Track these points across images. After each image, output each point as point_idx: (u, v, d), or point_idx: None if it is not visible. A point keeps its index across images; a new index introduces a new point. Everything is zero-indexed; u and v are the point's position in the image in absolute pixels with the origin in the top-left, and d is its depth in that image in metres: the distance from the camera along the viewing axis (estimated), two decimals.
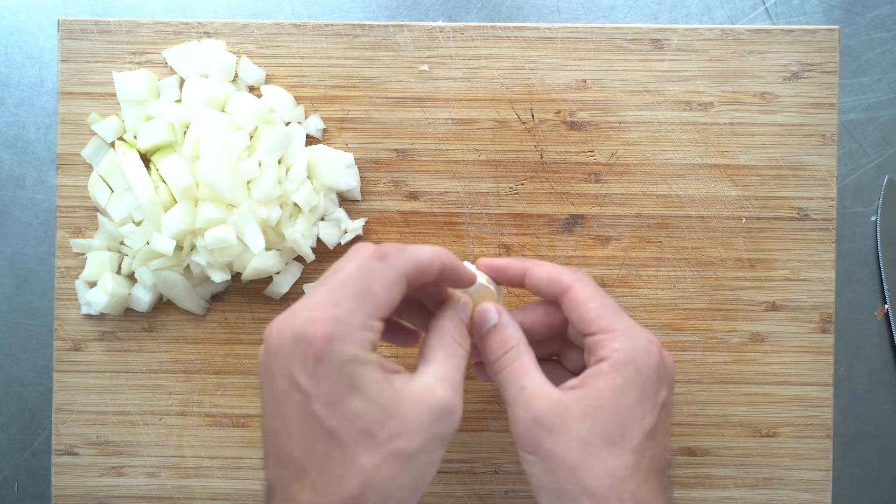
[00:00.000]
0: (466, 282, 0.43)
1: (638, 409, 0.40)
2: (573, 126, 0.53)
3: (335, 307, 0.37)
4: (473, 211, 0.54)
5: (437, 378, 0.38)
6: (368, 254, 0.39)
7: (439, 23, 0.53)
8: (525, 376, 0.40)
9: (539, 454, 0.39)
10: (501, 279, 0.45)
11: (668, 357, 0.42)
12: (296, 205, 0.51)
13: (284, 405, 0.37)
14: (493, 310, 0.43)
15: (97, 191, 0.52)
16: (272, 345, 0.37)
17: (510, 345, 0.42)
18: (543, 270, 0.44)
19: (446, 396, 0.38)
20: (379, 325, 0.38)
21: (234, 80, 0.53)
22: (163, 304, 0.54)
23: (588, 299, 0.42)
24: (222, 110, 0.52)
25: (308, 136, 0.53)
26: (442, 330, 0.41)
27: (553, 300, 0.44)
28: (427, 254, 0.40)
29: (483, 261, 0.45)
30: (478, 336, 0.43)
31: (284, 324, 0.37)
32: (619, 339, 0.41)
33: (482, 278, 0.45)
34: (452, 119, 0.53)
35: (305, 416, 0.36)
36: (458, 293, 0.43)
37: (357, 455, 0.36)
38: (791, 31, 0.53)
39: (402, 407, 0.37)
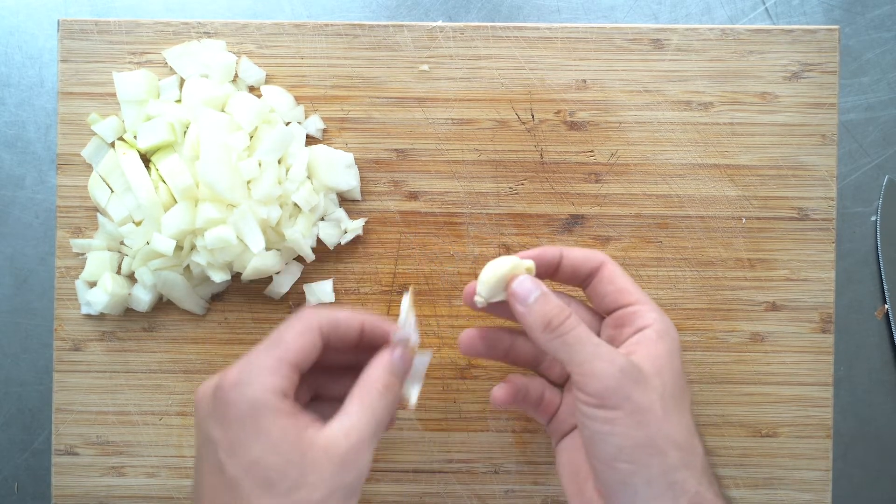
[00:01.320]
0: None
1: (682, 373, 0.42)
2: (573, 126, 0.53)
3: (247, 356, 0.38)
4: (473, 211, 0.54)
5: (344, 430, 0.38)
6: (294, 315, 0.41)
7: (439, 23, 0.53)
8: (594, 336, 0.41)
9: (627, 407, 0.38)
10: (540, 264, 0.45)
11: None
12: (296, 205, 0.51)
13: (201, 457, 0.38)
14: (531, 281, 0.42)
15: (97, 191, 0.52)
16: (196, 399, 0.39)
17: (568, 310, 0.41)
18: (577, 251, 0.45)
19: (351, 448, 0.37)
20: (289, 373, 0.38)
21: (234, 80, 0.53)
22: (163, 304, 0.54)
23: (621, 274, 0.44)
24: (222, 110, 0.52)
25: (308, 136, 0.53)
26: (367, 378, 0.40)
27: (582, 280, 0.45)
28: (344, 311, 0.42)
29: (523, 253, 0.45)
30: (522, 309, 0.42)
31: (210, 380, 0.39)
32: (654, 310, 0.43)
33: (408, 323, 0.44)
34: (452, 119, 0.53)
35: (213, 466, 0.37)
36: (399, 333, 0.42)
37: None
38: (791, 31, 0.53)
39: (305, 457, 0.36)
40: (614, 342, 0.43)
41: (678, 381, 0.41)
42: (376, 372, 0.41)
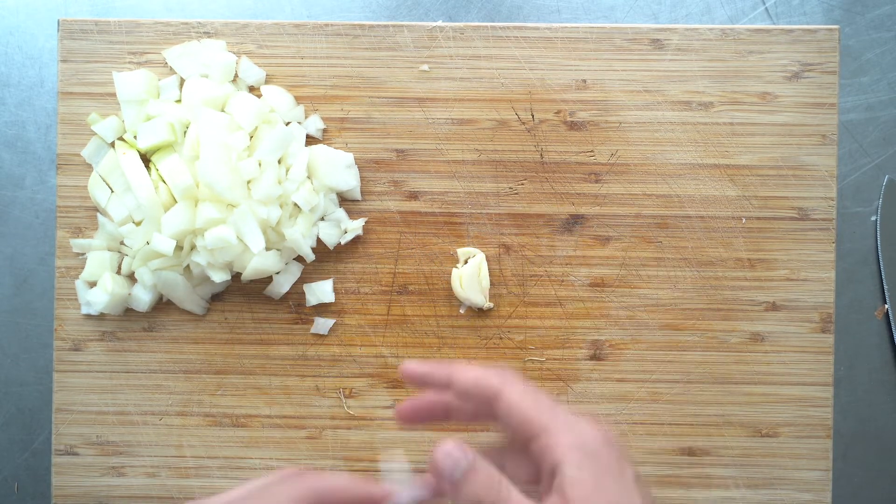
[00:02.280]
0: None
1: (619, 497, 0.38)
2: (573, 126, 0.53)
3: None
4: (473, 211, 0.54)
5: None
6: (279, 473, 0.38)
7: (439, 23, 0.53)
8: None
9: None
10: (428, 386, 0.41)
11: (611, 434, 0.39)
12: (296, 205, 0.51)
13: None
14: (460, 450, 0.38)
15: (97, 191, 0.52)
16: None
17: (497, 478, 0.38)
18: (470, 374, 0.40)
19: None
20: None
21: (234, 80, 0.53)
22: (163, 304, 0.54)
23: (521, 401, 0.39)
24: (222, 110, 0.52)
25: (308, 136, 0.53)
26: None
27: (483, 406, 0.40)
28: (337, 482, 0.38)
29: (407, 366, 0.41)
30: (450, 482, 0.38)
31: None
32: (565, 434, 0.38)
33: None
34: (452, 119, 0.53)
35: None
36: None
37: None
38: (791, 31, 0.53)
39: None
40: (546, 487, 0.38)
41: (614, 495, 0.37)
42: None
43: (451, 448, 0.38)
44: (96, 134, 0.53)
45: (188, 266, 0.51)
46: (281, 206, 0.51)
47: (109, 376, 0.54)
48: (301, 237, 0.51)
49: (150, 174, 0.51)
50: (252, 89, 0.54)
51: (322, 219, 0.53)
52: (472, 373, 0.40)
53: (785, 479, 0.53)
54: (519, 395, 0.39)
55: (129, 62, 0.54)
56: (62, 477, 0.54)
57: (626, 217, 0.53)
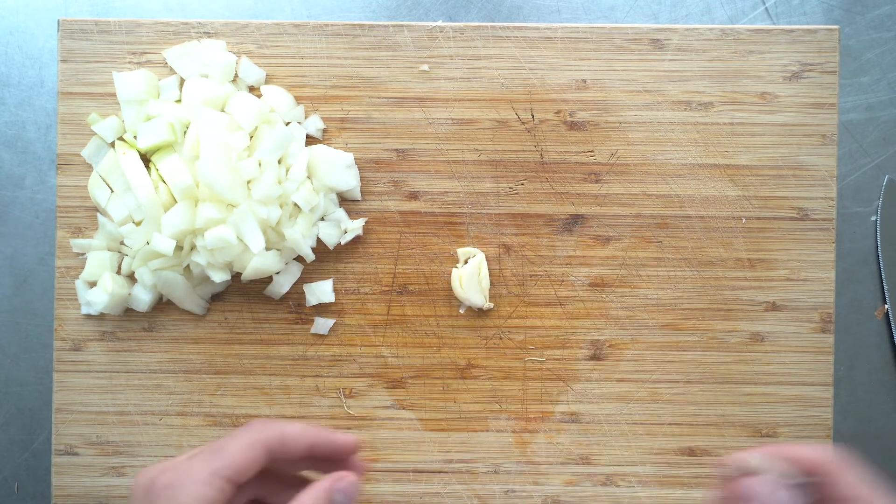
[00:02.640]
0: (346, 452, 0.42)
1: None
2: (573, 126, 0.53)
3: (186, 460, 0.38)
4: (473, 211, 0.54)
5: None
6: (246, 425, 0.40)
7: (439, 23, 0.53)
8: None
9: None
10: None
11: None
12: (296, 205, 0.51)
13: None
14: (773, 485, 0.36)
15: (97, 191, 0.52)
16: (133, 489, 0.39)
17: None
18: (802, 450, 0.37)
19: None
20: (223, 486, 0.37)
21: (234, 80, 0.53)
22: (163, 304, 0.54)
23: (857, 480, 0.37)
24: (222, 110, 0.52)
25: (308, 136, 0.53)
26: None
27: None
28: (294, 428, 0.40)
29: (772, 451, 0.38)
30: None
31: (146, 472, 0.39)
32: None
33: None
34: (452, 119, 0.53)
35: None
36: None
37: None
38: (791, 31, 0.53)
39: None
40: None
41: None
42: (308, 499, 0.39)
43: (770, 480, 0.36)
44: (96, 134, 0.53)
45: (188, 266, 0.52)
46: (281, 206, 0.51)
47: (109, 376, 0.54)
48: (301, 237, 0.51)
49: (150, 174, 0.51)
50: (252, 89, 0.54)
51: (322, 219, 0.53)
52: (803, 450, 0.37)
53: None
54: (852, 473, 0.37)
55: (129, 62, 0.54)
56: (62, 477, 0.54)
57: (626, 217, 0.53)
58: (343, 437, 0.41)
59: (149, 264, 0.51)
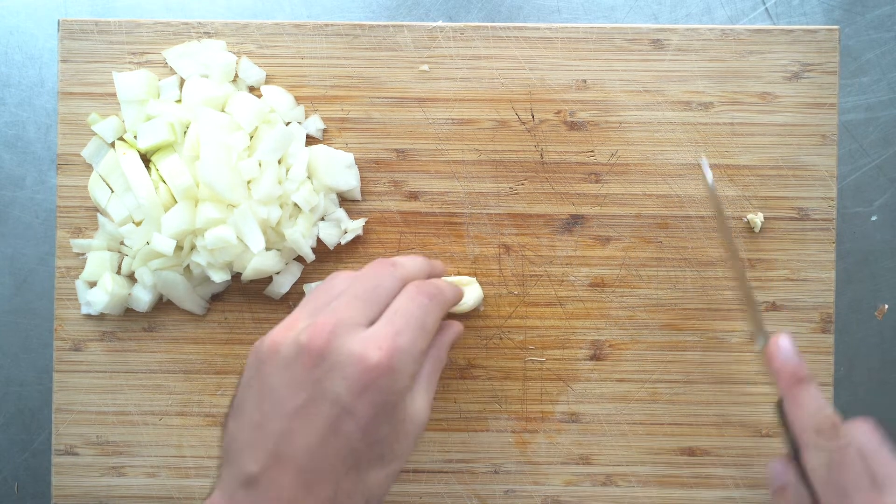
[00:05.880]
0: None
1: None
2: (573, 126, 0.53)
3: (398, 337, 0.39)
4: (473, 211, 0.54)
5: (426, 400, 0.41)
6: (416, 287, 0.42)
7: (439, 23, 0.53)
8: None
9: None
10: None
11: None
12: (296, 205, 0.51)
13: (309, 410, 0.37)
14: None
15: (97, 191, 0.52)
16: (320, 346, 0.38)
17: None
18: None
19: (426, 419, 0.41)
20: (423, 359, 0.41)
21: (234, 80, 0.53)
22: (163, 304, 0.54)
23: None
24: (222, 110, 0.52)
25: (308, 136, 0.53)
26: (436, 350, 0.43)
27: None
28: (455, 293, 0.46)
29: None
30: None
31: (341, 336, 0.38)
32: None
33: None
34: (452, 119, 0.53)
35: (330, 429, 0.37)
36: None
37: (367, 477, 0.38)
38: (791, 31, 0.53)
39: (404, 429, 0.39)
40: None
41: None
42: (447, 339, 0.45)
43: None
44: (96, 134, 0.53)
45: (188, 266, 0.52)
46: (281, 206, 0.51)
47: (109, 376, 0.54)
48: (301, 237, 0.51)
49: (150, 174, 0.51)
50: (252, 89, 0.54)
51: (322, 219, 0.53)
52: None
53: None
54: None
55: (129, 62, 0.54)
56: (62, 477, 0.54)
57: (626, 217, 0.53)
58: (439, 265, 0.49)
59: (149, 264, 0.51)
